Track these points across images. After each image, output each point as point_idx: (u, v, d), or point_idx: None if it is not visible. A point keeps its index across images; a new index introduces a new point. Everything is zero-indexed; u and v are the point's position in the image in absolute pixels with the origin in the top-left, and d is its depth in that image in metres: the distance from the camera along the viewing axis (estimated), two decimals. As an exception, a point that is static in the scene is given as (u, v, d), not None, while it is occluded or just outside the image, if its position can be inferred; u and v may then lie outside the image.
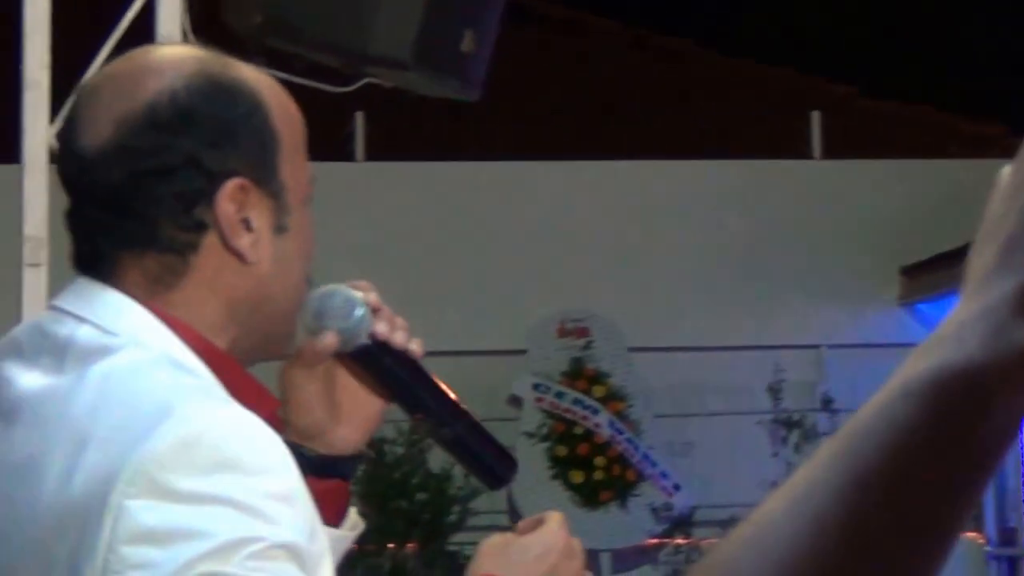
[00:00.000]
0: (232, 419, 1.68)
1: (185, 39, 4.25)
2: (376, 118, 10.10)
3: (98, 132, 1.79)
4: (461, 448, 2.00)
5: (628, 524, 9.19)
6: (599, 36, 13.14)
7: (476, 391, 9.52)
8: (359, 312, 1.89)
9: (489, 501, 8.29)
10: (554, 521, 1.96)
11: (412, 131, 10.21)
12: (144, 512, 1.59)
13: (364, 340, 1.90)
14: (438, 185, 10.44)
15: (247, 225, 1.79)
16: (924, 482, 0.74)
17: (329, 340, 1.89)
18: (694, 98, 12.50)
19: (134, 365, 1.73)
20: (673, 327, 9.72)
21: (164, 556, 1.58)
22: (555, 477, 9.28)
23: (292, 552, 1.62)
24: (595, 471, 9.20)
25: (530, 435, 9.26)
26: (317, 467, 1.90)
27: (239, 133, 1.81)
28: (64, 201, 1.95)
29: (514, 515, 9.37)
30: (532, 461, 9.20)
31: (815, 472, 0.76)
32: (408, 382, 1.97)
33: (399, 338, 1.97)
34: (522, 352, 9.31)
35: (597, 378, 9.52)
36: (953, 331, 0.74)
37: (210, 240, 1.79)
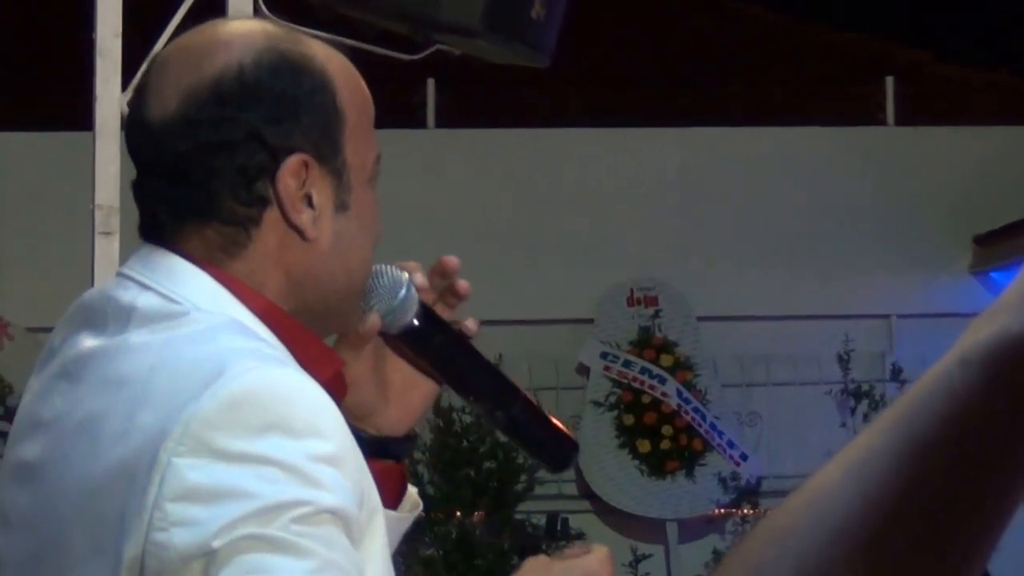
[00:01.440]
0: (283, 380, 1.70)
1: (257, 8, 4.26)
2: (448, 85, 10.10)
3: (165, 104, 1.81)
4: (518, 431, 2.01)
5: (695, 494, 9.18)
6: (671, 1, 13.11)
7: (544, 359, 9.64)
8: (403, 292, 1.89)
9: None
10: (601, 551, 1.99)
11: (483, 98, 10.25)
12: (191, 470, 1.62)
13: (411, 320, 1.91)
14: (508, 152, 10.39)
15: (308, 201, 1.81)
16: (980, 451, 0.73)
17: (372, 321, 1.91)
18: (766, 64, 12.45)
19: (196, 329, 1.75)
20: (740, 296, 9.68)
21: (208, 514, 1.60)
22: (622, 446, 9.25)
23: (339, 517, 1.63)
24: (662, 440, 9.18)
25: (598, 404, 9.25)
26: (369, 448, 1.88)
27: (303, 110, 1.82)
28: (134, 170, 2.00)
29: (581, 483, 9.43)
30: (599, 430, 9.26)
31: (872, 440, 0.76)
32: (459, 364, 1.98)
33: (450, 317, 1.99)
34: (590, 321, 9.30)
35: (665, 347, 9.50)
36: (1014, 300, 0.74)
37: (272, 215, 1.80)
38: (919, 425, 0.74)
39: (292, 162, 1.79)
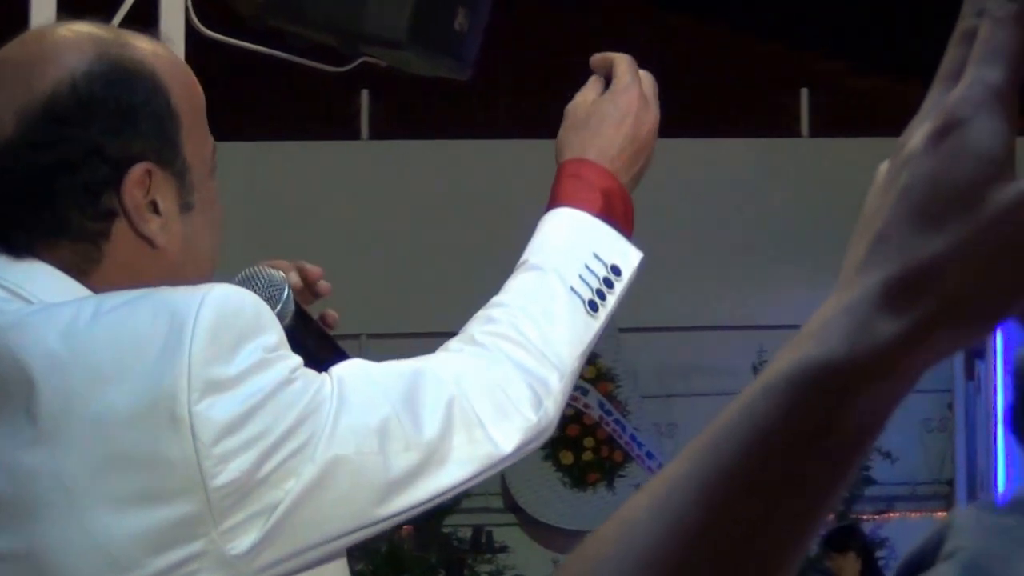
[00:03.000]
0: (224, 295, 1.76)
1: (188, 20, 4.17)
2: (382, 97, 10.23)
3: (2, 124, 1.79)
4: None
5: (616, 505, 9.07)
6: (593, 13, 13.14)
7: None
8: (283, 295, 1.92)
9: (482, 484, 8.26)
10: (624, 71, 2.07)
11: (417, 110, 10.49)
12: (211, 409, 1.69)
13: (288, 324, 1.89)
14: (439, 163, 10.52)
15: (155, 208, 1.81)
16: (784, 478, 0.73)
17: None
18: (685, 76, 12.51)
19: (87, 310, 1.75)
20: (660, 307, 9.73)
21: (250, 433, 1.70)
22: (546, 458, 9.34)
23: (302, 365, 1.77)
24: (584, 452, 9.29)
25: None
26: None
27: (140, 118, 1.81)
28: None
29: (507, 496, 9.51)
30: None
31: (679, 468, 0.75)
32: (322, 358, 1.94)
33: (326, 318, 2.06)
34: None
35: (587, 359, 9.49)
36: (817, 327, 0.72)
37: (120, 226, 1.80)
38: (723, 453, 0.73)
39: (135, 172, 1.78)
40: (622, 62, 2.10)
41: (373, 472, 1.80)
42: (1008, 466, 9.21)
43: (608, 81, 2.11)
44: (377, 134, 10.89)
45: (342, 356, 1.97)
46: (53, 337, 1.73)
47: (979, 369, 9.65)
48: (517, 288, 2.00)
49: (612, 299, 1.98)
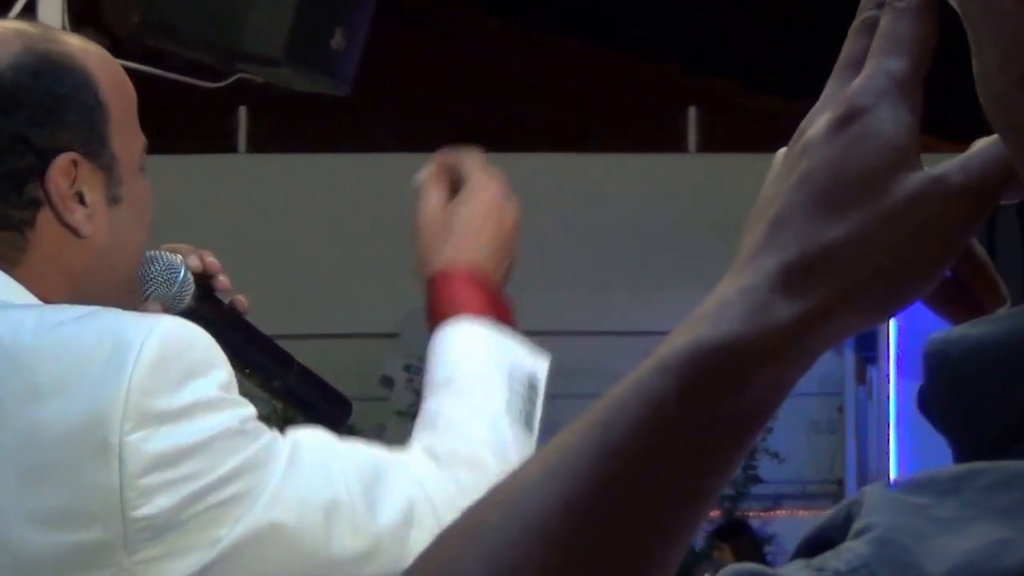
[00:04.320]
0: (174, 328, 1.72)
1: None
2: (260, 112, 10.28)
3: None
4: (295, 397, 2.04)
5: None
6: (482, 33, 13.29)
7: (349, 372, 9.86)
8: (180, 277, 1.89)
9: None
10: (475, 169, 2.00)
11: (294, 124, 10.38)
12: (145, 442, 1.63)
13: (188, 303, 1.89)
14: (316, 176, 10.61)
15: (80, 199, 1.77)
16: (671, 455, 0.71)
17: (154, 309, 1.88)
18: (575, 93, 12.77)
19: (28, 320, 1.71)
20: (547, 313, 9.74)
21: (182, 472, 1.65)
22: (429, 458, 9.52)
23: (255, 417, 1.71)
24: (463, 448, 9.46)
25: (401, 413, 9.52)
26: None
27: (67, 109, 1.77)
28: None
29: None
30: (403, 438, 9.46)
31: (569, 440, 0.73)
32: (233, 340, 1.91)
33: (223, 296, 2.00)
34: (394, 336, 9.57)
35: None
36: (713, 308, 0.71)
37: (46, 216, 1.76)
38: (614, 428, 0.71)
39: (60, 162, 1.75)
40: (470, 159, 2.01)
41: (312, 547, 1.74)
42: (900, 467, 9.37)
43: (452, 180, 2.01)
44: (255, 148, 10.98)
45: (250, 332, 1.98)
46: None
47: (871, 373, 9.85)
48: (458, 409, 1.90)
49: (538, 410, 1.90)
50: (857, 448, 10.35)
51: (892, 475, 9.50)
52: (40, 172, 1.74)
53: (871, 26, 0.72)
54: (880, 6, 0.72)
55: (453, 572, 0.73)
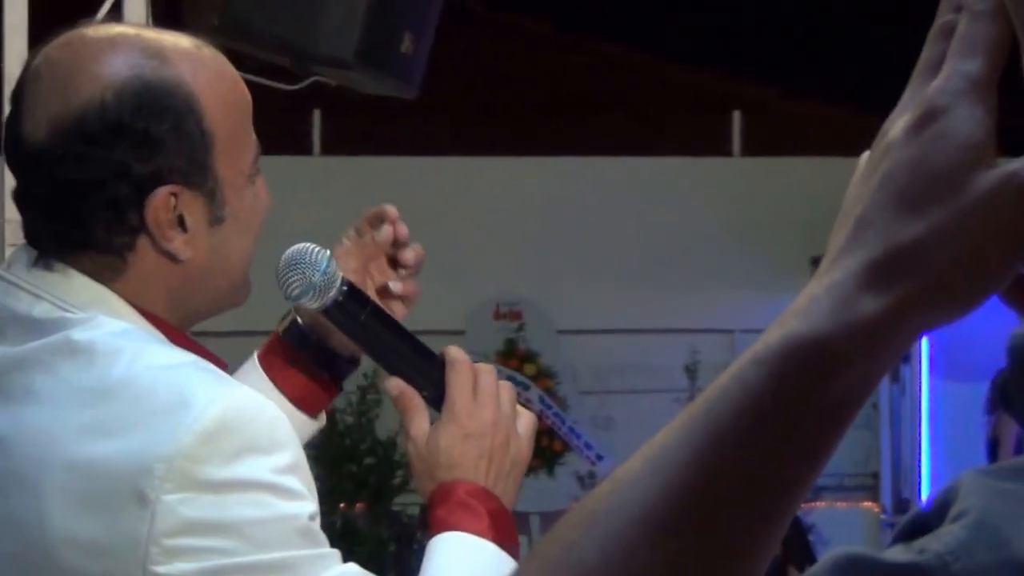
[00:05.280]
0: (242, 402, 1.65)
1: None
2: (333, 115, 10.47)
3: (35, 127, 1.72)
4: (440, 391, 1.81)
5: (555, 490, 9.61)
6: (536, 41, 13.31)
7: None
8: (318, 263, 1.75)
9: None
10: (460, 384, 1.79)
11: (365, 128, 10.66)
12: (181, 505, 1.58)
13: (333, 299, 1.76)
14: (386, 179, 10.51)
15: (182, 224, 1.71)
16: (771, 443, 0.73)
17: (305, 306, 1.80)
18: (623, 99, 12.98)
19: (109, 346, 1.67)
20: (598, 312, 10.16)
21: (210, 544, 1.60)
22: (492, 447, 9.71)
23: (316, 518, 1.65)
24: (526, 441, 9.66)
25: None
26: (318, 353, 1.89)
27: (168, 143, 1.70)
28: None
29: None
30: None
31: (673, 434, 0.74)
32: (377, 345, 1.82)
33: (402, 291, 1.91)
34: (461, 333, 9.68)
35: (528, 357, 10.06)
36: (804, 304, 0.72)
37: (145, 241, 1.71)
38: (714, 419, 0.73)
39: (160, 194, 1.69)
40: (455, 370, 1.79)
41: None
42: (932, 461, 9.60)
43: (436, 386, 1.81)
44: (329, 150, 11.22)
45: (397, 336, 1.82)
46: (84, 374, 1.66)
47: (904, 372, 9.89)
48: None
49: None
50: (891, 443, 10.45)
51: (924, 469, 9.71)
52: (140, 202, 1.70)
53: (948, 31, 0.72)
54: (958, 10, 0.72)
55: (571, 556, 0.75)
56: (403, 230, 1.93)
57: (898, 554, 0.79)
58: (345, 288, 1.75)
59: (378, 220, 1.94)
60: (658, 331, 10.39)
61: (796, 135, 12.31)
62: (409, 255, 1.95)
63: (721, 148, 11.25)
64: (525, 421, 1.83)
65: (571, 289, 10.25)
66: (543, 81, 13.14)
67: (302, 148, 10.81)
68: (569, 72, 13.28)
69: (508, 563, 1.71)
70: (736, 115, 11.20)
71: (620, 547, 0.74)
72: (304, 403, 1.88)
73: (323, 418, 1.96)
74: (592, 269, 10.32)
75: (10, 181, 4.07)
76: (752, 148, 11.31)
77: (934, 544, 0.78)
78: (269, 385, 1.87)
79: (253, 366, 1.91)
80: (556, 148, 11.10)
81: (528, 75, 13.04)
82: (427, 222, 10.26)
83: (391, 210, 1.93)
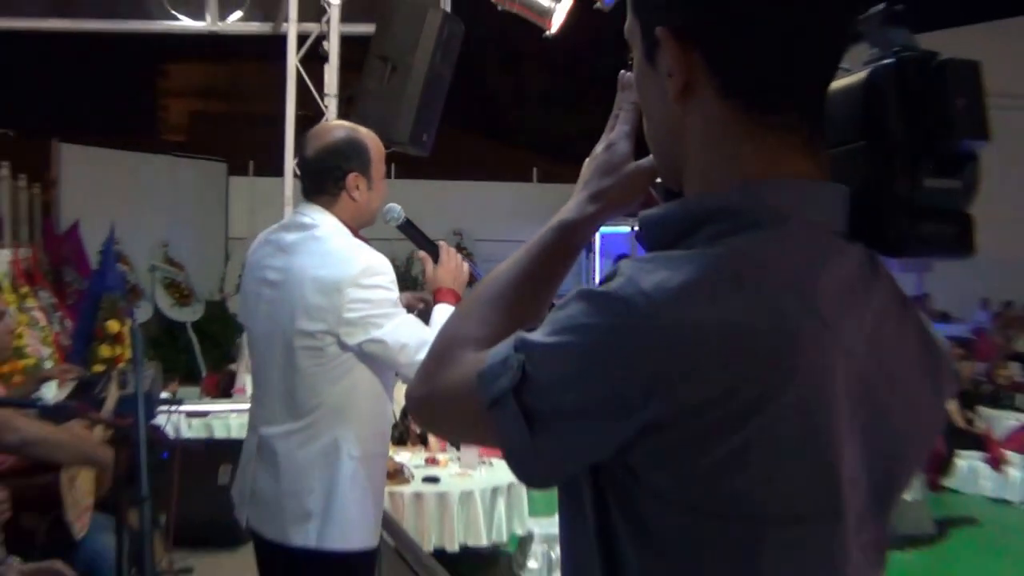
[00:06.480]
0: (377, 258, 3.52)
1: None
2: (400, 160, 13.94)
3: (311, 150, 3.73)
4: (435, 253, 3.78)
5: None
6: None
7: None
8: (395, 212, 3.69)
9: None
10: (444, 251, 3.81)
11: (412, 166, 14.89)
12: (353, 290, 3.53)
13: (400, 221, 3.69)
14: (425, 195, 16.84)
15: (358, 188, 3.66)
16: (537, 260, 1.61)
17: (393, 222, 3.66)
18: None
19: (328, 237, 3.60)
20: None
21: (363, 307, 3.54)
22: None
23: (399, 301, 3.53)
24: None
25: None
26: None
27: (356, 158, 3.67)
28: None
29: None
30: None
31: (504, 268, 1.62)
32: (421, 239, 3.71)
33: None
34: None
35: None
36: (565, 209, 1.62)
37: (344, 193, 3.68)
38: (523, 250, 1.62)
39: (351, 175, 3.64)
40: (441, 248, 3.78)
41: (393, 359, 3.59)
42: None
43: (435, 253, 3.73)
44: (399, 175, 17.84)
45: (428, 239, 3.75)
46: (316, 245, 3.63)
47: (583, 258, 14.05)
48: (435, 329, 3.64)
49: None
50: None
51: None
52: (343, 177, 3.68)
53: (616, 113, 1.64)
54: (617, 107, 1.62)
55: (453, 328, 1.61)
56: None
57: (579, 295, 1.34)
58: (403, 220, 3.68)
59: None
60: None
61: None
62: None
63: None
64: (461, 262, 3.75)
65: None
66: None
67: (387, 174, 21.08)
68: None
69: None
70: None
71: (471, 317, 1.61)
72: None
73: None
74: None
75: (287, 184, 9.30)
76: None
77: (600, 289, 1.31)
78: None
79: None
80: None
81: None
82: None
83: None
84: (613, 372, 1.22)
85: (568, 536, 1.43)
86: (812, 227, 1.34)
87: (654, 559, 1.31)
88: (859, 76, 1.39)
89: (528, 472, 1.35)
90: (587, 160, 1.63)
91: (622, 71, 1.57)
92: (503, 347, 1.37)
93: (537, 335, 1.31)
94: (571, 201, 1.63)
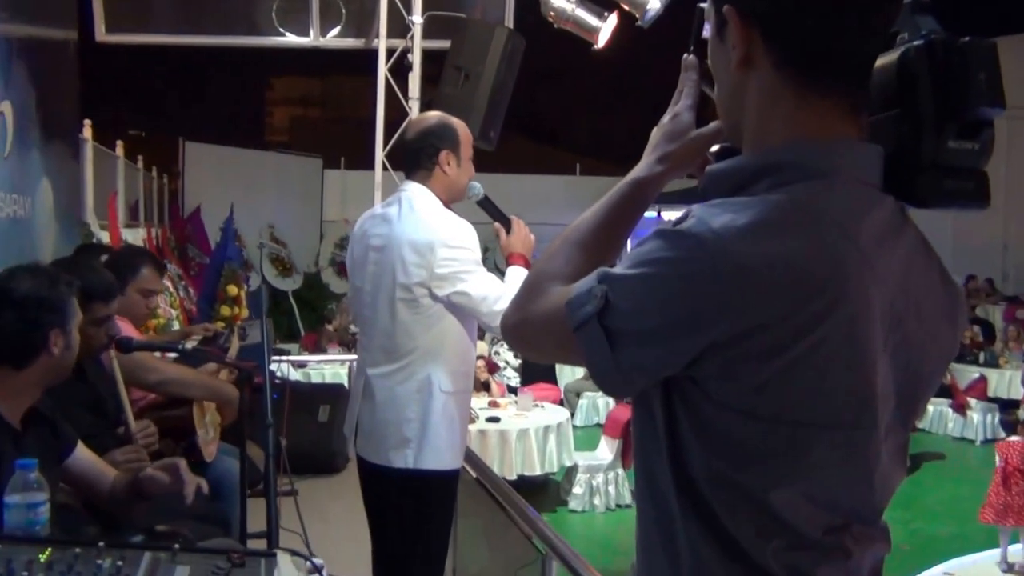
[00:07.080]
0: (460, 223, 3.58)
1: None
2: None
3: (412, 132, 3.68)
4: (508, 223, 3.75)
5: None
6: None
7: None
8: (476, 189, 3.75)
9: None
10: (515, 224, 3.76)
11: (481, 161, 12.69)
12: (444, 251, 3.54)
13: (480, 197, 3.73)
14: (486, 186, 12.45)
15: (448, 161, 3.63)
16: (617, 223, 1.60)
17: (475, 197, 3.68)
18: None
19: (423, 208, 3.61)
20: None
21: (449, 265, 3.53)
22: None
23: (480, 261, 3.51)
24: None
25: None
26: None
27: (447, 138, 3.66)
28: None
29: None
30: None
31: (586, 217, 1.62)
32: (497, 213, 3.74)
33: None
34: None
35: None
36: (638, 168, 1.58)
37: (438, 168, 3.66)
38: (604, 200, 1.61)
39: (443, 153, 3.61)
40: (513, 221, 3.75)
41: (476, 308, 3.58)
42: None
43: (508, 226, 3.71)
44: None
45: (503, 214, 3.73)
46: (413, 215, 3.62)
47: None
48: (514, 286, 3.58)
49: None
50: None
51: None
52: (436, 154, 3.64)
53: (681, 89, 1.66)
54: (683, 71, 1.64)
55: (544, 264, 1.60)
56: None
57: (662, 229, 1.33)
58: (482, 196, 3.74)
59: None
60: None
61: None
62: None
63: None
64: (528, 232, 3.76)
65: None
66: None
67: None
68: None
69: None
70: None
71: (561, 257, 1.60)
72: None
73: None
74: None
75: (377, 174, 8.74)
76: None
77: (675, 227, 1.32)
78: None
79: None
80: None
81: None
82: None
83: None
84: (685, 299, 1.23)
85: (639, 437, 1.44)
86: (854, 180, 1.35)
87: (714, 454, 1.32)
88: (894, 55, 1.41)
89: (610, 384, 1.35)
90: (655, 129, 1.63)
91: (685, 55, 1.59)
92: (587, 280, 1.37)
93: (618, 269, 1.32)
94: (642, 162, 1.63)
